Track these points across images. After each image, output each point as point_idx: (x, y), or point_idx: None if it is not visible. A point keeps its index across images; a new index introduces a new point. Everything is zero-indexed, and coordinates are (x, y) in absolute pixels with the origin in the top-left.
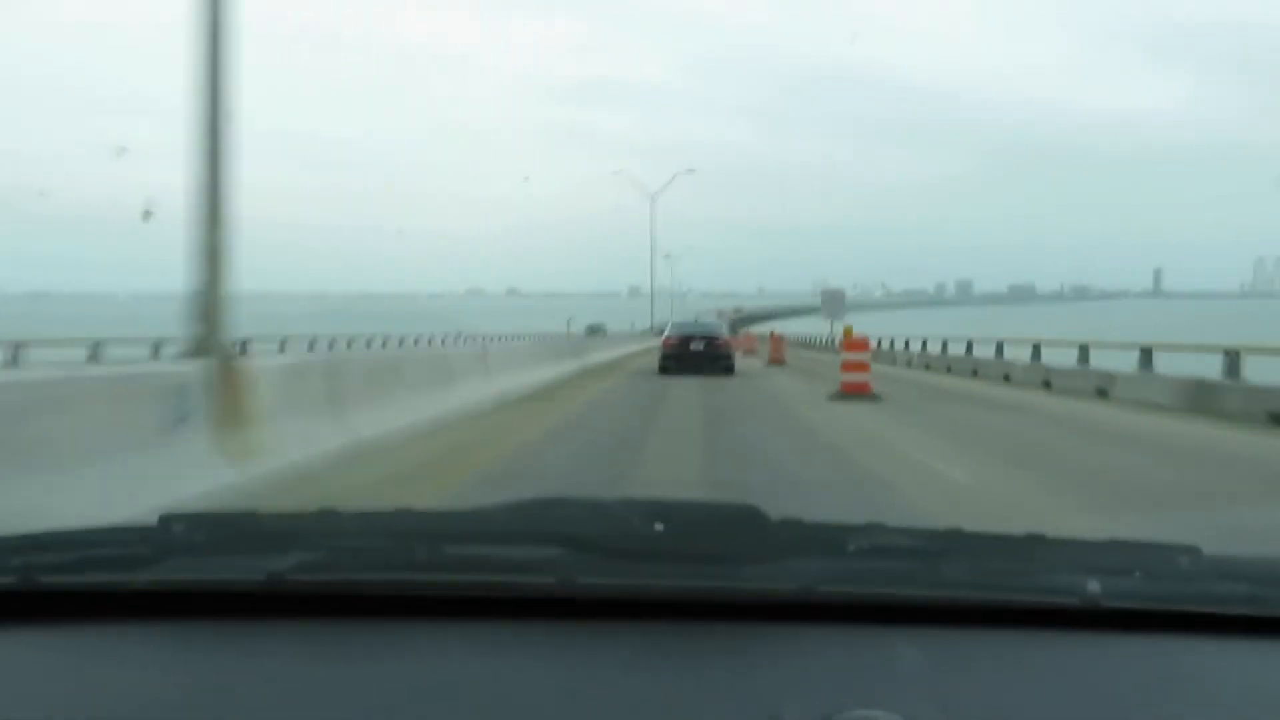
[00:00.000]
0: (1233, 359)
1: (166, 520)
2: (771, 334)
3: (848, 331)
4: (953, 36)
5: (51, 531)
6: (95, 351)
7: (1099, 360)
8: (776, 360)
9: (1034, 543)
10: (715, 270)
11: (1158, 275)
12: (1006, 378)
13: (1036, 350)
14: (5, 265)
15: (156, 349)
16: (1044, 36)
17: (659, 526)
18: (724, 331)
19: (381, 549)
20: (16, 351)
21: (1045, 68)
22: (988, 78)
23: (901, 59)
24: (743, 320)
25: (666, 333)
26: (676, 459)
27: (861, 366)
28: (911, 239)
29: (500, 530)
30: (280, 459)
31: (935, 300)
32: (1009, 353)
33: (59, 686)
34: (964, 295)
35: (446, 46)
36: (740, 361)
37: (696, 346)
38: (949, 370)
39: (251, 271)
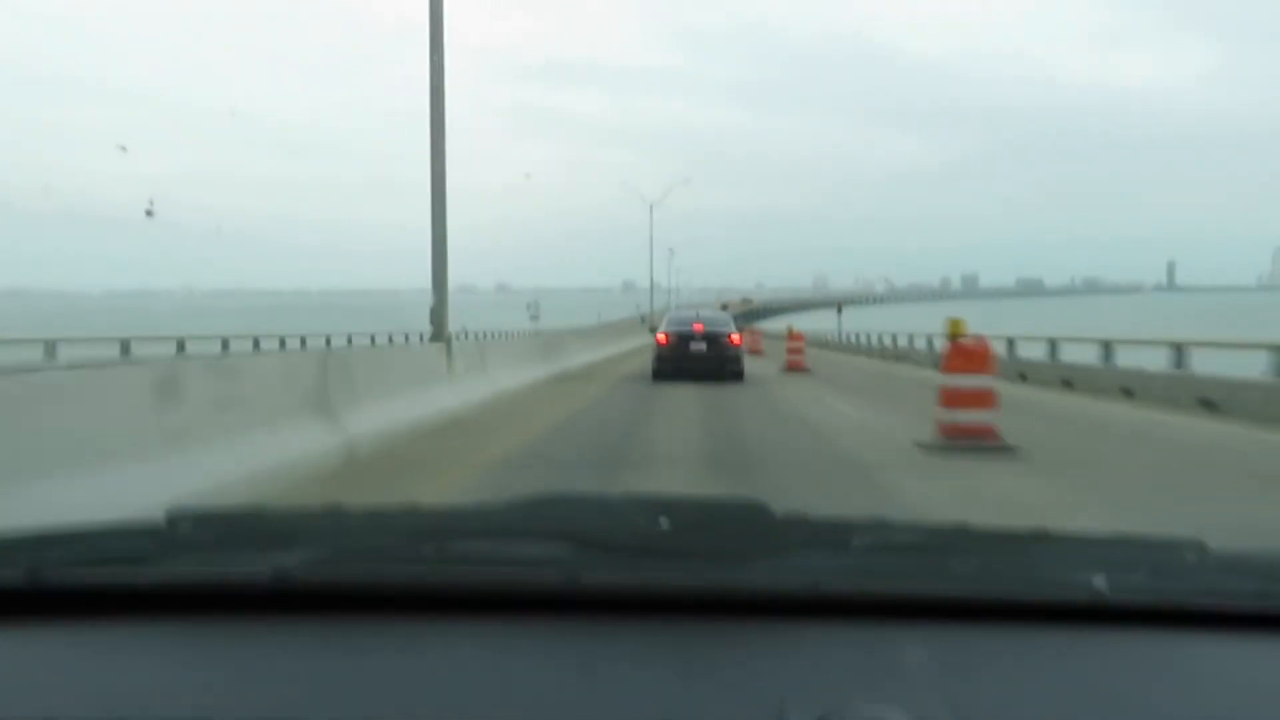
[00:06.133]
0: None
1: (173, 517)
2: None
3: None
4: (960, 14)
5: (57, 528)
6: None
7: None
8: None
9: (1040, 539)
10: (711, 264)
11: (1171, 268)
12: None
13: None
14: None
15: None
16: (1054, 15)
17: (664, 522)
18: (732, 327)
19: (387, 545)
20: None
21: (1054, 49)
22: (994, 59)
23: (904, 37)
24: (751, 314)
25: (662, 328)
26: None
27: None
28: (916, 231)
29: (505, 526)
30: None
31: (940, 294)
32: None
33: (65, 684)
34: (970, 289)
35: (418, 26)
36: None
37: (698, 346)
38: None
39: (232, 267)
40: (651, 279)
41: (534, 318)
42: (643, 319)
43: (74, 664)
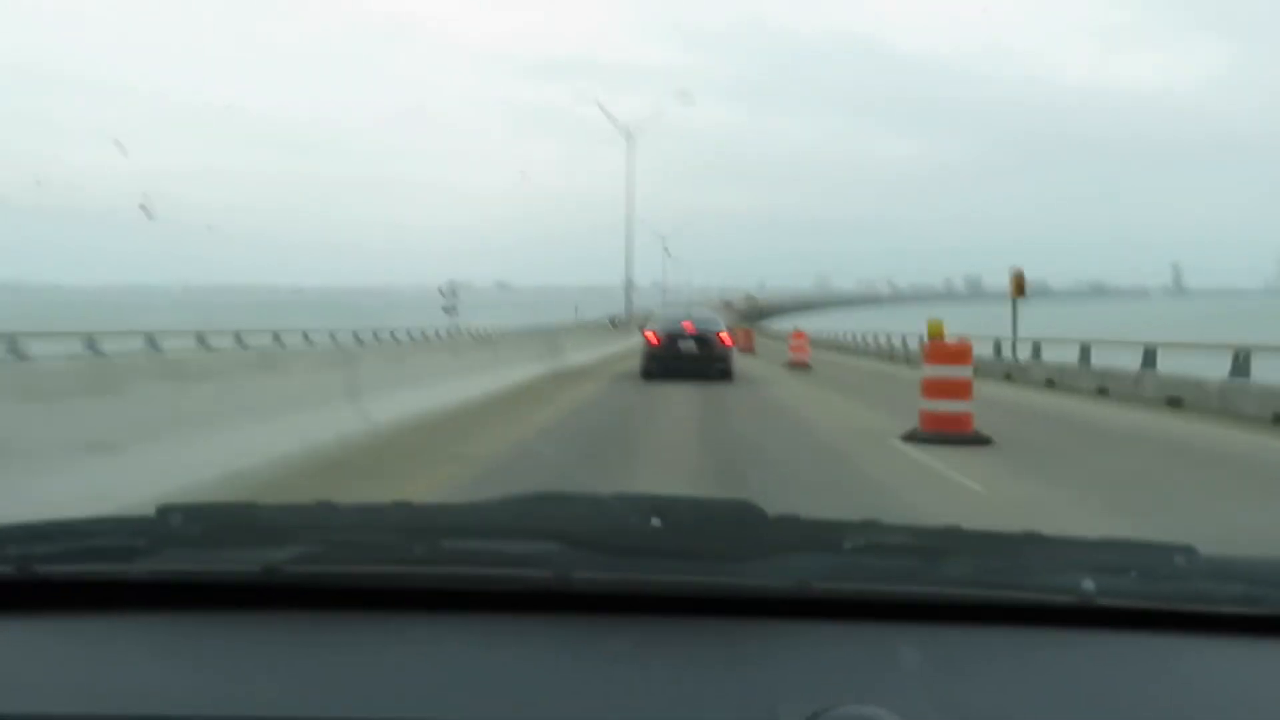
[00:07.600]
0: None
1: (164, 511)
2: (747, 331)
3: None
4: (964, 13)
5: (49, 521)
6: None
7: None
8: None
9: (1030, 541)
10: (713, 263)
11: (1177, 272)
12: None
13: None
14: None
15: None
16: (1061, 16)
17: (656, 522)
18: (721, 326)
19: (378, 541)
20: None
21: (1059, 51)
22: (997, 59)
23: (908, 36)
24: (756, 314)
25: (652, 327)
26: None
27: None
28: (919, 233)
29: (497, 524)
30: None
31: (944, 296)
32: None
33: (55, 677)
34: (974, 291)
35: (419, 24)
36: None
37: (687, 345)
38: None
39: (229, 263)
40: (627, 256)
41: (449, 309)
42: (613, 321)
43: (65, 657)
